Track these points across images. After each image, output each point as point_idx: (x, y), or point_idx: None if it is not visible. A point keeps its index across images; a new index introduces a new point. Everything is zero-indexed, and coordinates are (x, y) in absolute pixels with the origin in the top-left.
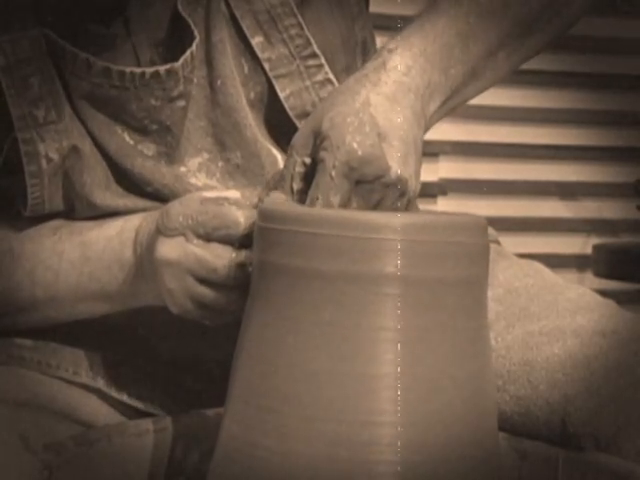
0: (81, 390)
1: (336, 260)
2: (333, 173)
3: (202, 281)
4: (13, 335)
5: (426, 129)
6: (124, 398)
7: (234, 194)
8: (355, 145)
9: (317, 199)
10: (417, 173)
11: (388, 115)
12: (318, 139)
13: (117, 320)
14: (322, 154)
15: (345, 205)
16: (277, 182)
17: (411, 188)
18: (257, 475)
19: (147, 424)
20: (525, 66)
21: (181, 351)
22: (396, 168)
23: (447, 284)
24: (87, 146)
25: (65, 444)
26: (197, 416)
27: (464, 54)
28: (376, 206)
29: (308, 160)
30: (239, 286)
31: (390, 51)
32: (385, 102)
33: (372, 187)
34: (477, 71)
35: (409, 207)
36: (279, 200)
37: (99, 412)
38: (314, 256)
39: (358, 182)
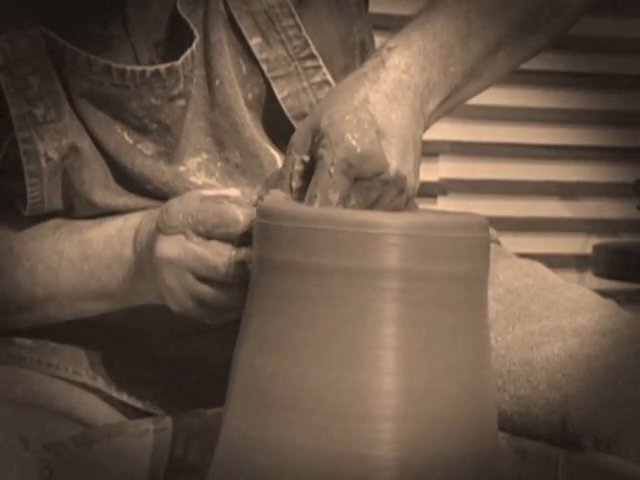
0: (81, 390)
1: (336, 255)
2: (332, 170)
3: (202, 279)
4: (13, 335)
5: (425, 128)
6: (124, 398)
7: (234, 192)
8: (354, 142)
9: (316, 197)
10: (416, 171)
11: (387, 113)
12: (317, 137)
13: (117, 319)
14: (321, 151)
15: (344, 202)
16: (276, 180)
17: (410, 185)
18: (258, 472)
19: (147, 424)
20: (525, 66)
21: (181, 351)
22: (395, 165)
23: (447, 279)
24: (86, 145)
25: (65, 444)
26: (197, 416)
27: (463, 53)
28: (375, 203)
29: (307, 158)
30: (239, 284)
31: (389, 49)
32: (384, 100)
33: (371, 184)
34: (476, 70)
35: (408, 205)
36: (278, 198)
37: (99, 412)
38: (313, 251)
39: (357, 179)
